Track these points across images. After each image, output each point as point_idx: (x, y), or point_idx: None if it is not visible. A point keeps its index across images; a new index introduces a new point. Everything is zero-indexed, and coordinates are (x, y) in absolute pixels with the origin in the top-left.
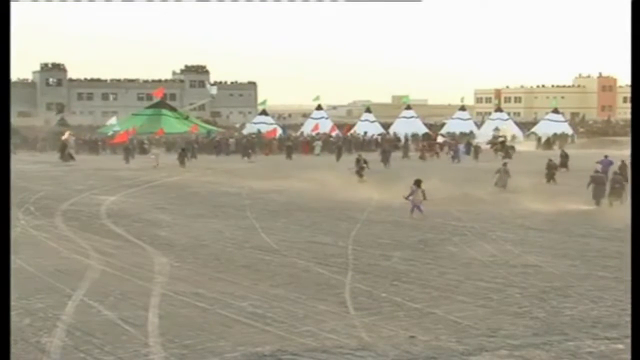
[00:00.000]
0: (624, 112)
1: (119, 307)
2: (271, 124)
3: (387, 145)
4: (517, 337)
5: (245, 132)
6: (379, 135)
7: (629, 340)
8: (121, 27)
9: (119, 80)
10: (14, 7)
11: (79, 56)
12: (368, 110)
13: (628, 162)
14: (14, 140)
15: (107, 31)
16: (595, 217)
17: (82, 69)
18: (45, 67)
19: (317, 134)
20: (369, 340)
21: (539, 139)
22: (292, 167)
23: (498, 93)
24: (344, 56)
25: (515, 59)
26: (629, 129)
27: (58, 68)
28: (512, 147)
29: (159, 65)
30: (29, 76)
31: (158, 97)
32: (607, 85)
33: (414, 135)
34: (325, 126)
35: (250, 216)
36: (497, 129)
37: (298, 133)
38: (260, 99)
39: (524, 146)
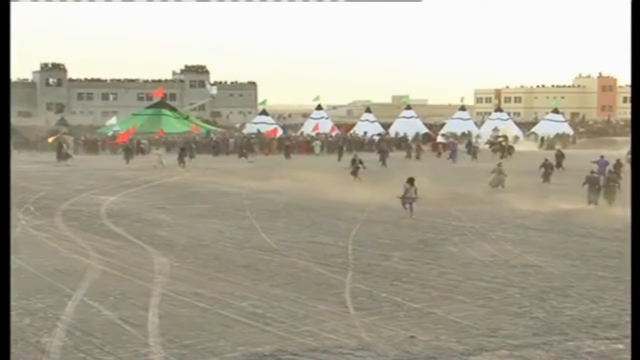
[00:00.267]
0: (624, 112)
1: (119, 307)
2: (271, 124)
3: (385, 145)
4: (517, 337)
5: (244, 132)
6: (377, 135)
7: (629, 340)
8: (121, 27)
9: (119, 80)
10: (14, 8)
11: (79, 56)
12: (368, 110)
13: (623, 161)
14: (14, 140)
15: (107, 31)
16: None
17: (82, 69)
18: (45, 67)
19: (317, 134)
20: (369, 340)
21: (541, 139)
22: (292, 167)
23: (498, 93)
24: (344, 56)
25: (515, 59)
26: (629, 129)
27: (58, 68)
28: (511, 147)
29: (159, 65)
30: (29, 76)
31: (158, 97)
32: (607, 85)
33: (416, 136)
34: (325, 126)
35: (250, 216)
36: (496, 129)
37: (298, 133)
38: (260, 99)
39: (526, 146)
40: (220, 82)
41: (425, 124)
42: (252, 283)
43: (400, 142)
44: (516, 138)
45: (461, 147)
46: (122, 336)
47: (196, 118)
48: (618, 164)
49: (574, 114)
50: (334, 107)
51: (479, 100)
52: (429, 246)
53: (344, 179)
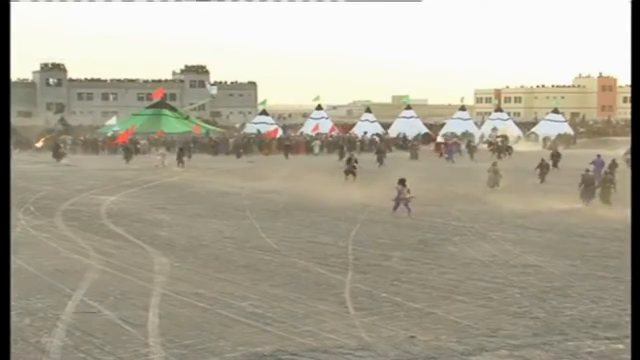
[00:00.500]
0: (624, 112)
1: (119, 307)
2: (271, 124)
3: (382, 145)
4: (517, 337)
5: (244, 132)
6: (374, 135)
7: (629, 340)
8: (121, 27)
9: (119, 80)
10: (14, 8)
11: (79, 56)
12: (368, 110)
13: (621, 161)
14: (14, 139)
15: (107, 31)
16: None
17: (82, 69)
18: (45, 67)
19: (317, 134)
20: (369, 340)
21: (544, 139)
22: (292, 167)
23: (498, 93)
24: (344, 56)
25: (515, 59)
26: (629, 129)
27: (58, 68)
28: (510, 147)
29: (159, 65)
30: (29, 76)
31: (158, 98)
32: (607, 85)
33: (417, 136)
34: (325, 126)
35: (250, 216)
36: (495, 129)
37: (298, 133)
38: (260, 99)
39: (528, 146)
40: (220, 82)
41: (425, 124)
42: (252, 283)
43: (405, 142)
44: (518, 138)
45: (462, 147)
46: (122, 336)
47: (196, 118)
48: (613, 164)
49: (574, 114)
50: (334, 107)
51: (479, 100)
52: (429, 246)
53: (343, 179)
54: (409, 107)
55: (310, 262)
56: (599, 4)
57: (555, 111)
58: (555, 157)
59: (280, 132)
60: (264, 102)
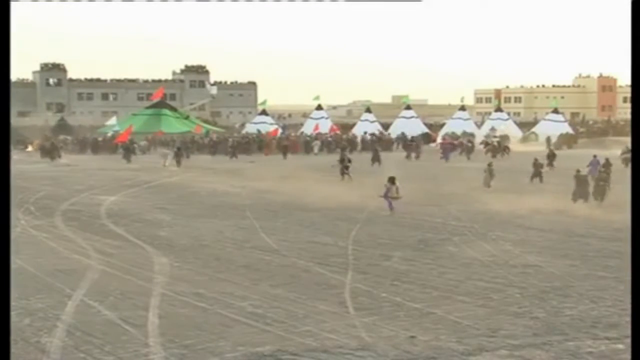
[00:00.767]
0: (624, 112)
1: (119, 307)
2: (272, 124)
3: (378, 145)
4: (517, 337)
5: (244, 132)
6: (370, 134)
7: (629, 340)
8: (121, 27)
9: (119, 80)
10: (14, 8)
11: (79, 56)
12: (368, 110)
13: (613, 160)
14: (14, 139)
15: (107, 31)
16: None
17: (82, 69)
18: (45, 67)
19: (318, 134)
20: (369, 340)
21: (547, 139)
22: (291, 167)
23: (498, 93)
24: (344, 56)
25: (515, 59)
26: (629, 129)
27: (58, 68)
28: (507, 147)
29: (159, 65)
30: (29, 76)
31: (158, 98)
32: (607, 85)
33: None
34: (325, 126)
35: (250, 216)
36: (493, 129)
37: (299, 133)
38: (260, 99)
39: (528, 146)
40: (220, 82)
41: (425, 124)
42: (252, 283)
43: (405, 142)
44: (523, 139)
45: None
46: (122, 336)
47: (196, 118)
48: (607, 164)
49: (574, 114)
50: (334, 107)
51: (479, 100)
52: (429, 246)
53: (340, 179)
54: (409, 107)
55: (310, 262)
56: (599, 4)
57: (555, 111)
58: (551, 157)
59: (280, 132)
60: (264, 102)
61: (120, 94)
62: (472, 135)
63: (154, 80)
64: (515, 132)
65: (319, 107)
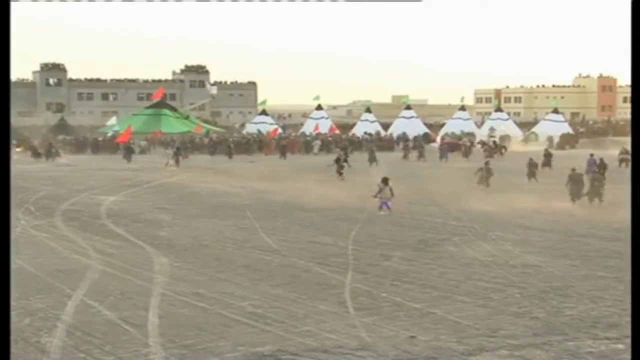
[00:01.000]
0: (624, 112)
1: (119, 307)
2: (272, 124)
3: (374, 145)
4: (517, 337)
5: (244, 132)
6: (367, 134)
7: (629, 340)
8: (121, 27)
9: (119, 80)
10: (14, 8)
11: (79, 56)
12: (368, 110)
13: (608, 160)
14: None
15: (107, 31)
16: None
17: (82, 69)
18: (45, 67)
19: (318, 134)
20: (369, 340)
21: (550, 139)
22: (291, 167)
23: (498, 93)
24: (344, 56)
25: (515, 59)
26: (629, 129)
27: (58, 68)
28: (503, 147)
29: (159, 65)
30: (29, 76)
31: (158, 98)
32: (607, 85)
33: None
34: (325, 126)
35: (250, 216)
36: (492, 129)
37: (299, 133)
38: (260, 99)
39: (529, 146)
40: (220, 82)
41: (425, 124)
42: (252, 283)
43: (407, 142)
44: (526, 139)
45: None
46: (122, 336)
47: (196, 118)
48: (602, 164)
49: (574, 114)
50: (334, 107)
51: (479, 100)
52: (429, 246)
53: (343, 178)
54: (409, 107)
55: (310, 262)
56: (599, 4)
57: (555, 111)
58: (548, 156)
59: (279, 132)
60: (264, 102)
61: (120, 94)
62: (472, 135)
63: (154, 80)
64: (515, 132)
65: (319, 107)
